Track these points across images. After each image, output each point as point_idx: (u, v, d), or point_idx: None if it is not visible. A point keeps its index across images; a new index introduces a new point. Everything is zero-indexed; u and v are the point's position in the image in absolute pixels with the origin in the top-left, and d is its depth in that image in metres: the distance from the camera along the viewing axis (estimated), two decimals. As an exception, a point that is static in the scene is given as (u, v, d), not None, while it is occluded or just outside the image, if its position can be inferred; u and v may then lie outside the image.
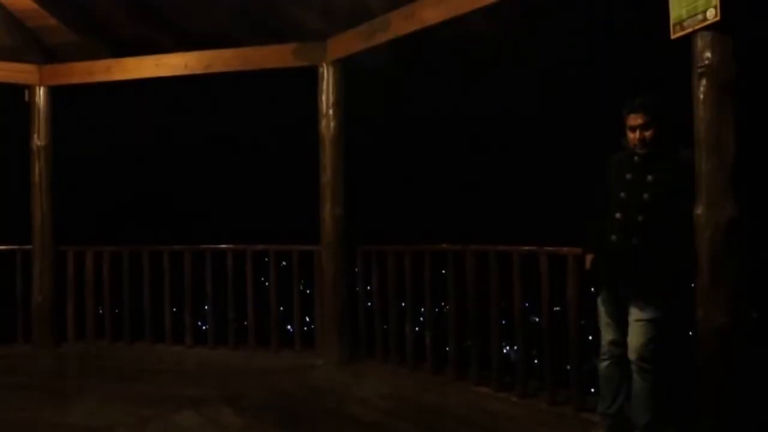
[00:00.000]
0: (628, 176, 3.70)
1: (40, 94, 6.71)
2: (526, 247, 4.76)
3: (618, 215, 3.69)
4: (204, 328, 6.56)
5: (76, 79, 6.69)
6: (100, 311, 6.93)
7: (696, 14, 3.33)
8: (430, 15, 4.92)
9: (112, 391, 5.09)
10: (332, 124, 5.89)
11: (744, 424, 3.36)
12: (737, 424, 3.34)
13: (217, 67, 6.29)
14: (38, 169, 6.71)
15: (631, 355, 3.65)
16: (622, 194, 3.69)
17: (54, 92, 6.76)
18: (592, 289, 3.96)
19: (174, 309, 6.72)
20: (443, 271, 5.43)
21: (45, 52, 6.57)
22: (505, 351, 5.21)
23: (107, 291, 6.82)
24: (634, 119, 3.64)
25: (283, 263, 6.55)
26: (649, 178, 3.62)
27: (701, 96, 3.36)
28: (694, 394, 3.48)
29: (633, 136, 3.66)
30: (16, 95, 6.73)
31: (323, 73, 5.91)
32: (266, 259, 6.50)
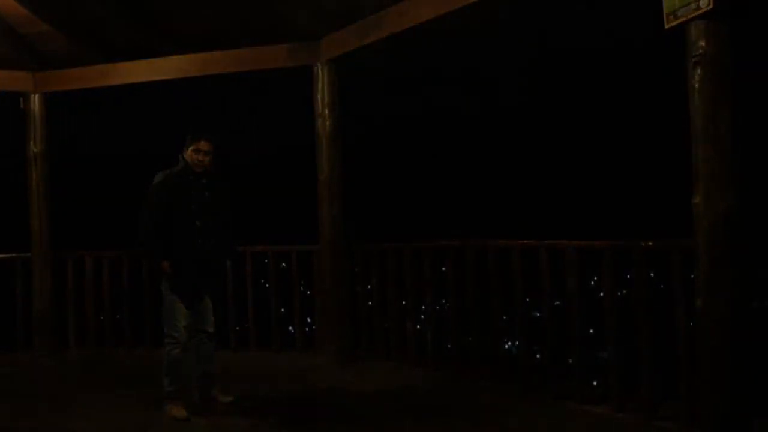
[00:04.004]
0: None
1: (35, 101, 6.69)
2: (526, 242, 4.76)
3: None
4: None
5: (70, 85, 6.69)
6: (101, 317, 6.92)
7: (689, 3, 3.32)
8: (424, 11, 4.91)
9: (115, 397, 5.07)
10: (328, 124, 5.88)
11: (746, 415, 3.35)
12: (738, 415, 3.34)
13: (212, 69, 6.28)
14: (35, 176, 6.69)
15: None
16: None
17: (49, 99, 6.74)
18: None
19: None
20: (443, 269, 5.42)
21: (39, 59, 6.55)
22: (506, 346, 5.21)
23: (107, 297, 6.81)
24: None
25: (283, 264, 6.54)
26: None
27: (696, 85, 3.36)
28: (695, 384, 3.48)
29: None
30: (11, 103, 6.72)
31: (318, 72, 5.90)
32: (266, 261, 6.50)
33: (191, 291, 4.51)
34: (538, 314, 4.90)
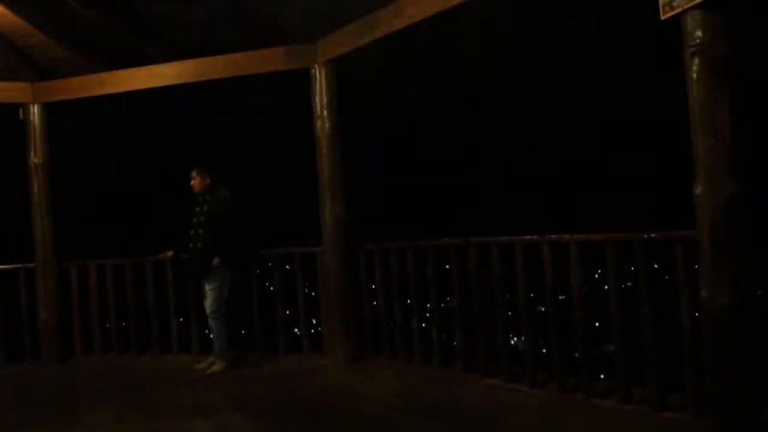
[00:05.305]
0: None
1: (35, 111, 6.70)
2: (528, 237, 4.76)
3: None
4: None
5: (69, 95, 6.69)
6: (107, 325, 6.94)
7: (684, -7, 3.31)
8: (417, 11, 4.91)
9: (123, 404, 5.08)
10: (327, 125, 5.89)
11: (753, 403, 3.35)
12: (745, 404, 3.34)
13: (210, 75, 6.28)
14: (37, 186, 6.70)
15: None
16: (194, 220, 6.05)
17: (48, 109, 6.75)
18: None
19: (180, 319, 6.73)
20: (447, 267, 5.42)
21: (37, 70, 6.56)
22: (512, 342, 5.20)
23: (112, 304, 6.83)
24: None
25: (287, 267, 6.55)
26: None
27: (694, 75, 3.36)
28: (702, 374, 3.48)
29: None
30: (10, 114, 6.73)
31: (315, 74, 5.91)
32: (269, 264, 6.51)
33: (194, 278, 6.18)
34: (542, 309, 4.89)
